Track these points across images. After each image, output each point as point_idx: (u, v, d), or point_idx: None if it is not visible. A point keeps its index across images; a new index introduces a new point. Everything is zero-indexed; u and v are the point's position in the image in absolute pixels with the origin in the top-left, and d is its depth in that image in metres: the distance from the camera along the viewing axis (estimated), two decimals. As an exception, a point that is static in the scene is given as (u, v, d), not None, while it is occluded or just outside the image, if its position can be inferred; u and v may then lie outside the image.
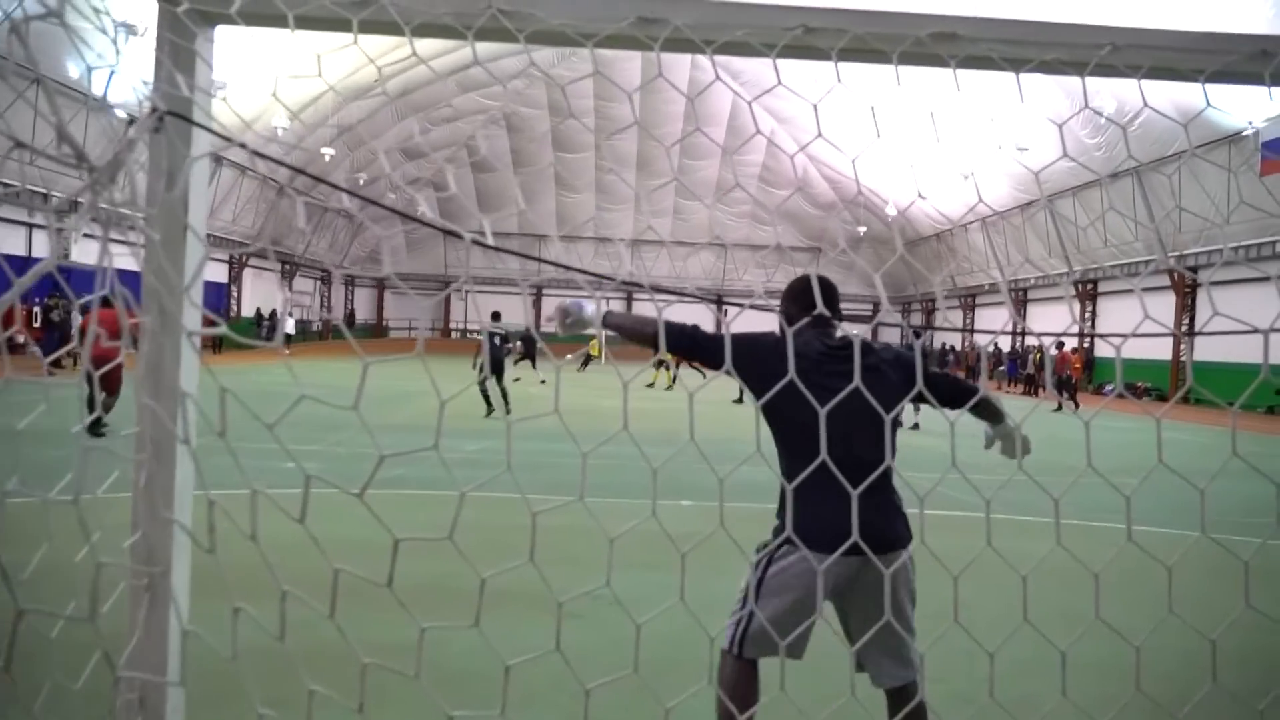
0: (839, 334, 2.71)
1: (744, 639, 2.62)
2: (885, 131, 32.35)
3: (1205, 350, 24.48)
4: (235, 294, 35.97)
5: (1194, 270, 26.28)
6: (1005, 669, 4.13)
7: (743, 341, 2.63)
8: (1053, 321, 34.37)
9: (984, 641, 1.79)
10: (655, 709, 2.80)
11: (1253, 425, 20.00)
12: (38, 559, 1.41)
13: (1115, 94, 23.31)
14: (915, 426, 15.97)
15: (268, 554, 1.28)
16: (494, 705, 3.55)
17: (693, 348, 2.71)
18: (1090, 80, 1.72)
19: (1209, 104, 1.71)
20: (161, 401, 1.63)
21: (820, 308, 2.51)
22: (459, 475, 8.52)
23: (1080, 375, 27.04)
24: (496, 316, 17.09)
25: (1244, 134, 21.91)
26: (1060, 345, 23.86)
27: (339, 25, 1.62)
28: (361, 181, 41.62)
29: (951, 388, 2.85)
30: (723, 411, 10.74)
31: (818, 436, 1.72)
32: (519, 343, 18.86)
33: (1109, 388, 29.02)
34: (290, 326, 34.80)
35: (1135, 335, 1.82)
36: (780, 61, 1.67)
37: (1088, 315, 31.51)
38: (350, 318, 49.99)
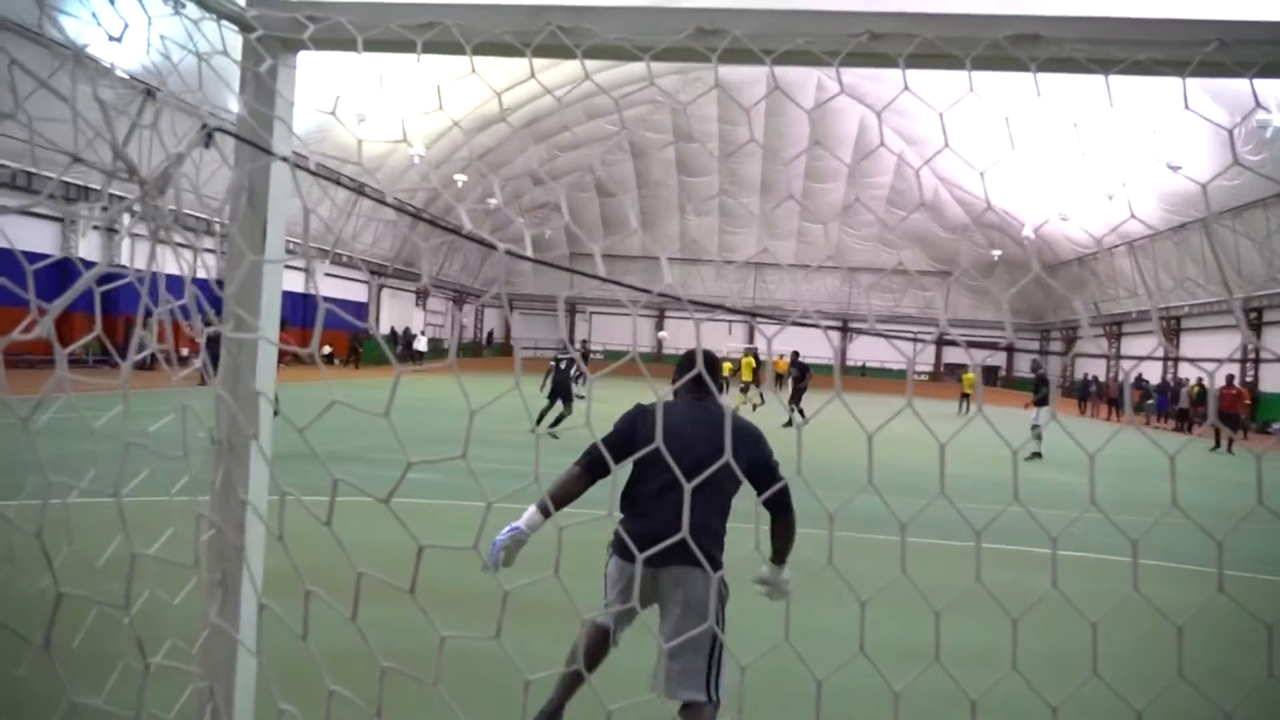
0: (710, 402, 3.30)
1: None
2: (1022, 149, 31.00)
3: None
4: (374, 312, 37.83)
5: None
6: None
7: (615, 437, 3.26)
8: (1209, 352, 31.92)
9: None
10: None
11: None
12: (110, 550, 1.50)
13: (1282, 105, 21.59)
14: (1037, 455, 15.13)
15: (353, 558, 1.31)
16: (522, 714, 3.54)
17: (594, 466, 3.22)
18: (1249, 86, 1.57)
19: None
20: (240, 406, 1.70)
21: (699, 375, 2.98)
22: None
23: (1247, 413, 24.95)
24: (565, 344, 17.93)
25: None
26: (1230, 381, 22.15)
27: (405, 47, 1.67)
28: (491, 205, 43.13)
29: (772, 473, 3.19)
30: (773, 436, 10.46)
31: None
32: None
33: (1276, 425, 26.66)
34: (423, 344, 36.27)
35: None
36: (908, 76, 1.60)
37: (1250, 346, 29.10)
38: (489, 337, 51.79)
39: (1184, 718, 3.91)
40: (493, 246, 1.42)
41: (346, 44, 1.67)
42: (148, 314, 1.44)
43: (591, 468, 3.20)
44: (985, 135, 30.19)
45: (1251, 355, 28.61)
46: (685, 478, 2.35)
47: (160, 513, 1.52)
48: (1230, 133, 21.13)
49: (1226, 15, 1.56)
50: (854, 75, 1.46)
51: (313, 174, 1.57)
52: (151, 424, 1.74)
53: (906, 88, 1.57)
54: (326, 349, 32.76)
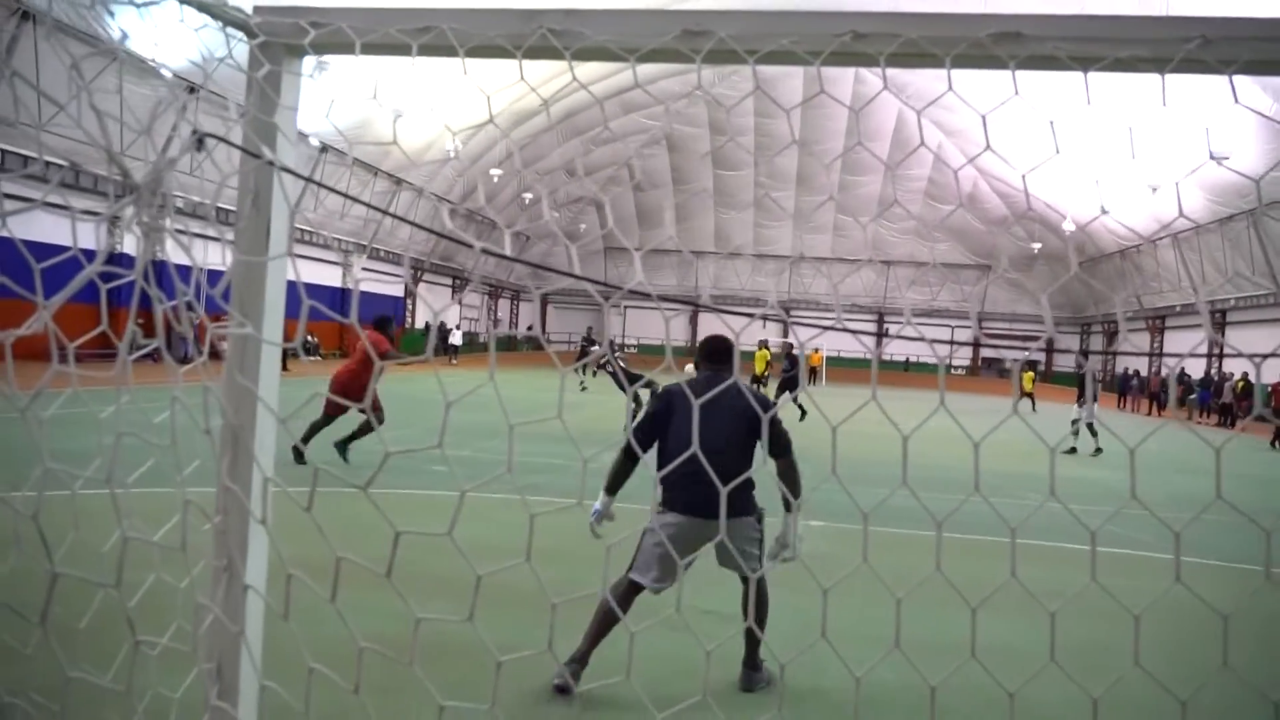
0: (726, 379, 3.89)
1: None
2: (1063, 141, 30.44)
3: None
4: (410, 307, 38.28)
5: None
6: None
7: (646, 421, 4.01)
8: (1257, 346, 31.15)
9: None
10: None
11: None
12: (114, 539, 1.57)
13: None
14: (1098, 451, 14.92)
15: (370, 545, 1.37)
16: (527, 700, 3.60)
17: (634, 449, 3.96)
18: None
19: None
20: (242, 399, 1.78)
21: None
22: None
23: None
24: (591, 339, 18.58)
25: None
26: None
27: (402, 51, 1.72)
28: (528, 200, 43.37)
29: (774, 438, 3.92)
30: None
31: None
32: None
33: (1323, 422, 25.91)
34: (458, 338, 36.62)
35: None
36: (952, 72, 1.63)
37: (1299, 340, 28.31)
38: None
39: (1228, 708, 3.87)
40: (469, 245, 1.47)
41: (346, 48, 1.73)
42: (176, 308, 1.52)
43: (630, 451, 3.93)
44: (1025, 126, 29.70)
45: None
46: (709, 444, 3.33)
47: (169, 502, 1.60)
48: None
49: (1209, 12, 1.55)
50: (892, 69, 1.49)
51: (305, 179, 1.63)
52: (165, 416, 1.82)
53: (950, 88, 1.59)
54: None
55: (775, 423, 4.05)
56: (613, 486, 3.97)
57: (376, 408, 9.21)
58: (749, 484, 3.88)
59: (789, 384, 18.34)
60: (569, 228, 49.27)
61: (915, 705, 3.80)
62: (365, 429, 9.07)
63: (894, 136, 38.99)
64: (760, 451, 3.91)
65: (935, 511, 1.47)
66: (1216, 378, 28.53)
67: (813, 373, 34.94)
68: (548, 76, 22.83)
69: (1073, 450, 14.96)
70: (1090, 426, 15.48)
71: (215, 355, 1.70)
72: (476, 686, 3.29)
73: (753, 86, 33.54)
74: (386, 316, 10.13)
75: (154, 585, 1.64)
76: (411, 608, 1.30)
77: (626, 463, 3.96)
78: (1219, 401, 26.61)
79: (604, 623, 3.77)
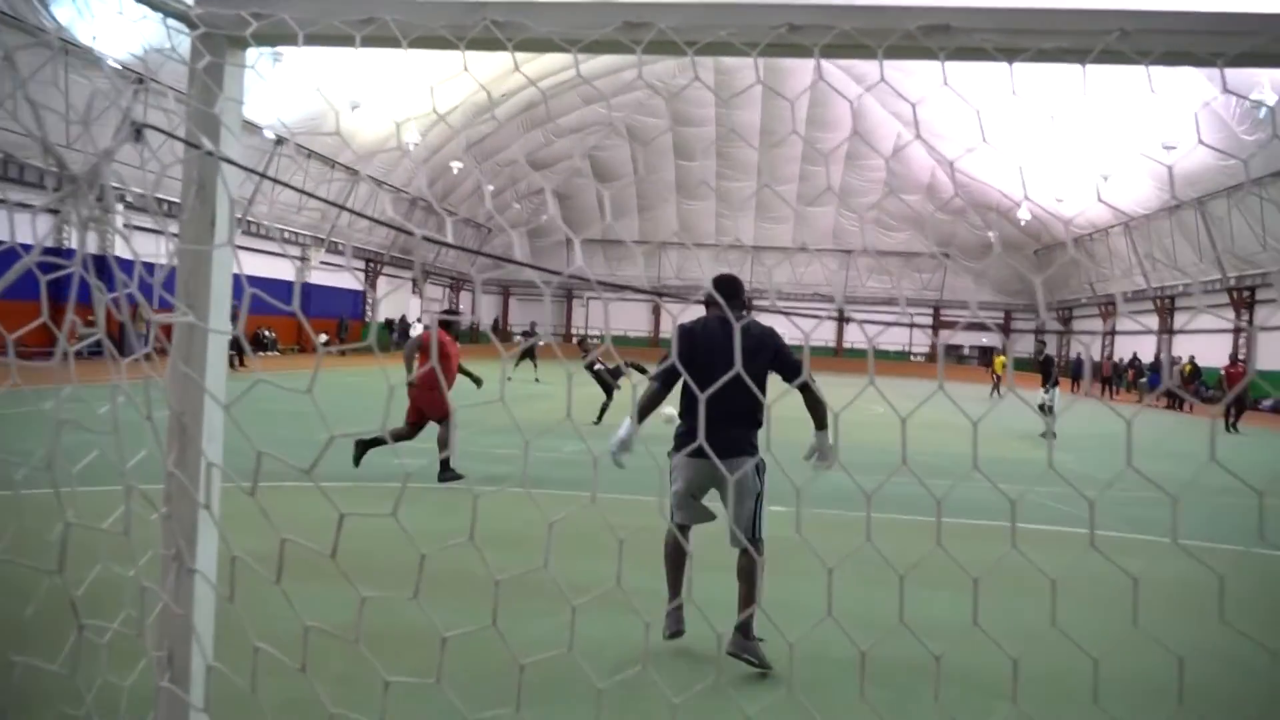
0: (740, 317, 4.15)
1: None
2: (1017, 131, 30.95)
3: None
4: (370, 300, 37.87)
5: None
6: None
7: (673, 352, 3.98)
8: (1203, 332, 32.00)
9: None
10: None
11: None
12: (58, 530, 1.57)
13: (1277, 85, 21.57)
14: (1047, 434, 15.30)
15: (327, 534, 1.38)
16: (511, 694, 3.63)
17: (667, 379, 4.00)
18: (1248, 71, 1.64)
19: (1226, 89, 1.61)
20: (189, 390, 1.78)
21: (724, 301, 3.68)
22: (556, 475, 8.72)
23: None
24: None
25: None
26: (1241, 361, 22.20)
27: (346, 42, 1.73)
28: (490, 191, 43.07)
29: (786, 365, 4.03)
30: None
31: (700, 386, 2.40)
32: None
33: (1266, 402, 26.78)
34: (418, 331, 36.33)
35: None
36: (907, 62, 1.67)
37: (1244, 323, 29.17)
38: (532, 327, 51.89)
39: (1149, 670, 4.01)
40: (409, 233, 1.49)
41: (289, 39, 1.74)
42: (118, 301, 1.51)
43: (665, 378, 3.99)
44: (980, 119, 30.11)
45: (1243, 336, 28.71)
46: (720, 379, 3.11)
47: (117, 496, 1.60)
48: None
49: (1131, 5, 1.62)
50: (846, 60, 1.55)
51: (247, 170, 1.63)
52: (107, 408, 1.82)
53: (882, 79, 1.64)
54: (323, 336, 32.83)
55: (784, 350, 4.09)
56: (641, 414, 4.06)
57: (446, 416, 8.17)
58: (755, 426, 4.03)
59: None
60: (530, 219, 49.05)
61: (919, 667, 3.89)
62: (438, 438, 8.33)
63: (855, 126, 39.32)
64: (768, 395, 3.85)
65: (916, 496, 1.52)
66: (1168, 363, 29.27)
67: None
68: (509, 69, 22.50)
69: (1044, 434, 15.42)
70: (1044, 407, 15.88)
71: (162, 350, 1.70)
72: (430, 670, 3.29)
73: (705, 78, 33.62)
74: (452, 312, 9.51)
75: (103, 575, 1.64)
76: (357, 589, 1.32)
77: (661, 391, 4.05)
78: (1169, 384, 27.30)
79: (676, 566, 4.14)
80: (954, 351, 50.32)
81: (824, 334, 50.64)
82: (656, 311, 50.23)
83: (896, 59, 1.66)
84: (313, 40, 1.73)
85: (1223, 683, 4.12)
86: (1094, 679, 3.59)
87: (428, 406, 8.24)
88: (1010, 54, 1.62)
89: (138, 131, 1.44)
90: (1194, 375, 27.03)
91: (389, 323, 39.29)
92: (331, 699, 1.65)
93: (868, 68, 32.27)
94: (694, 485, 4.10)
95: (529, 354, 24.12)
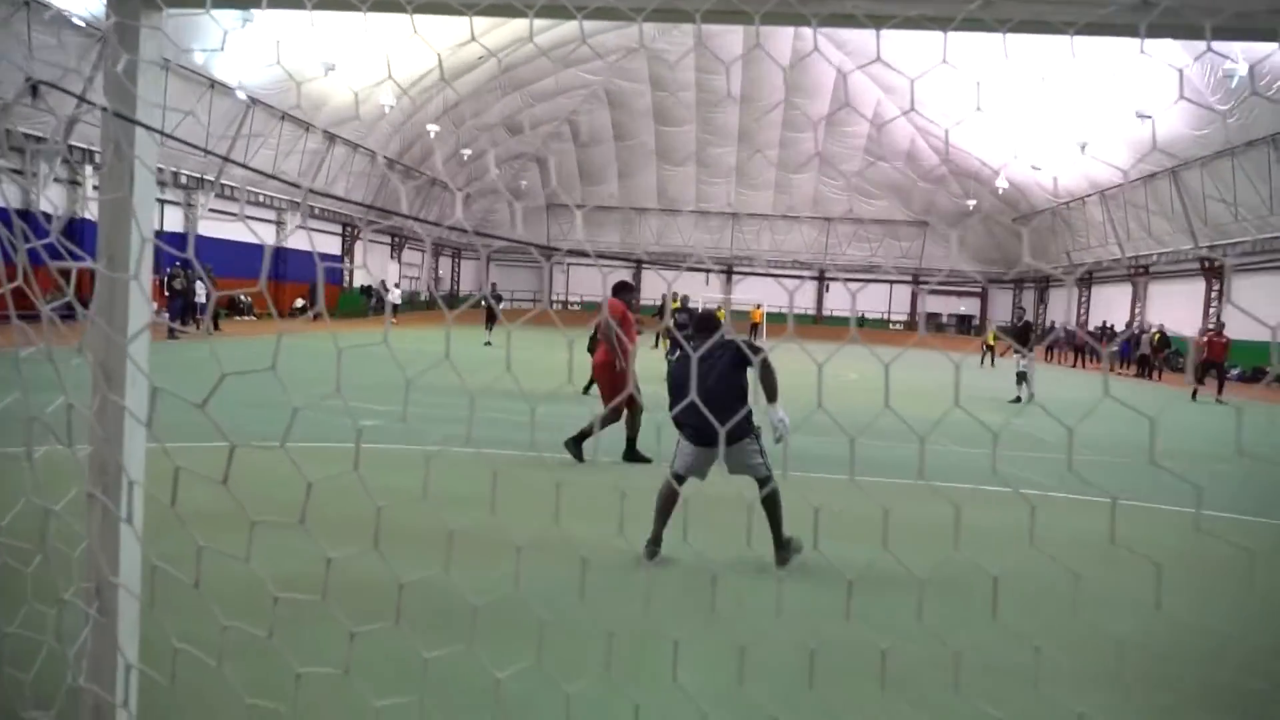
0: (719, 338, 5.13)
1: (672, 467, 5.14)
2: (997, 99, 30.99)
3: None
4: (348, 266, 37.61)
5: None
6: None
7: (669, 379, 5.16)
8: (1177, 300, 32.44)
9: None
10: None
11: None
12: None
13: (1249, 55, 21.66)
14: (1017, 400, 15.65)
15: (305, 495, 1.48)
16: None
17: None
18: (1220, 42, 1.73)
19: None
20: (110, 342, 1.87)
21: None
22: (504, 436, 8.84)
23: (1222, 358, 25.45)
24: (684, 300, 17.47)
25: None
26: (1218, 329, 22.50)
27: (346, 6, 1.78)
28: (466, 157, 42.73)
29: (746, 358, 4.95)
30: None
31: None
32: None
33: (1235, 372, 27.22)
34: (396, 297, 36.20)
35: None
36: (889, 31, 1.72)
37: (1214, 293, 29.59)
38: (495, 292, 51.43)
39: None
40: (358, 203, 1.57)
41: (199, 1, 1.80)
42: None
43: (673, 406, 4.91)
44: (962, 84, 30.10)
45: (1213, 305, 29.05)
46: (706, 390, 4.78)
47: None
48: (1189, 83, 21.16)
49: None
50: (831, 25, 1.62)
51: (149, 129, 1.71)
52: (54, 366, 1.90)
53: (880, 57, 1.72)
54: (300, 301, 32.65)
55: (741, 348, 5.11)
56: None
57: (631, 399, 7.65)
58: (745, 415, 4.98)
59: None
60: (511, 184, 48.72)
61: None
62: (613, 419, 7.86)
63: (834, 93, 39.21)
64: (753, 392, 5.02)
65: (887, 459, 1.63)
66: (1137, 331, 29.66)
67: (753, 328, 35.40)
68: (486, 28, 22.29)
69: (1017, 399, 15.76)
70: (1022, 376, 16.26)
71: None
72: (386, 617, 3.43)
73: (686, 42, 33.37)
74: (626, 282, 8.48)
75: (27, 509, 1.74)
76: (323, 547, 1.42)
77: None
78: (1138, 353, 27.71)
79: (666, 507, 4.97)
80: (933, 319, 50.66)
81: (805, 301, 50.83)
82: (638, 278, 50.15)
83: (770, 25, 1.74)
84: (224, 3, 1.79)
85: (1155, 640, 4.32)
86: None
87: (609, 387, 7.79)
88: (878, 20, 1.71)
89: (34, 88, 1.51)
90: (1163, 344, 27.43)
91: (366, 289, 39.08)
92: (297, 650, 1.76)
93: (849, 34, 32.15)
94: (695, 464, 5.03)
95: (490, 317, 24.34)
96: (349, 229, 37.43)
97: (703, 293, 42.71)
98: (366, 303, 36.18)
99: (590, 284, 51.17)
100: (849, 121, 42.14)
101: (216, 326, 23.06)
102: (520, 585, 3.94)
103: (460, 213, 51.64)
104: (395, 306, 34.81)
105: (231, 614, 1.72)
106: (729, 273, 48.38)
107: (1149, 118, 26.32)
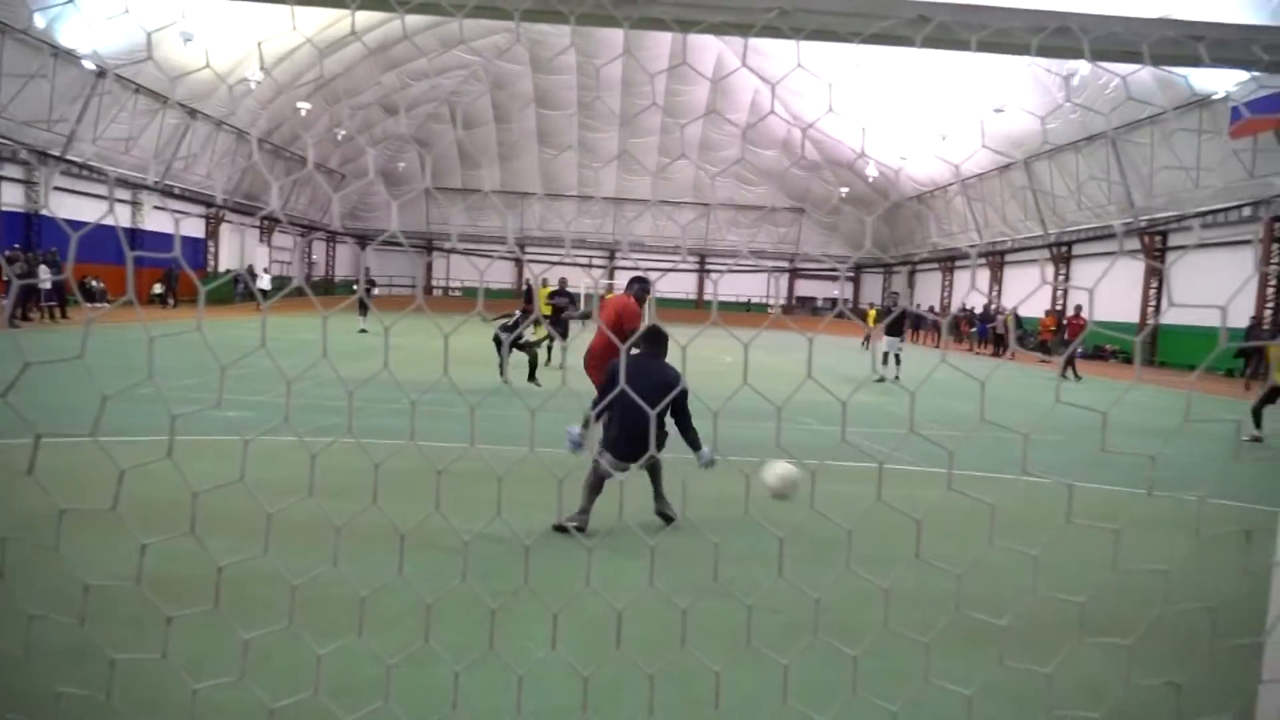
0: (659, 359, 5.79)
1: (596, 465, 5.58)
2: (866, 91, 32.19)
3: (1172, 314, 24.81)
4: (212, 250, 35.83)
5: (1164, 235, 26.55)
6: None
7: (604, 389, 5.86)
8: (1027, 284, 34.61)
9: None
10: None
11: (1212, 388, 20.32)
12: None
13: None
14: (882, 380, 16.39)
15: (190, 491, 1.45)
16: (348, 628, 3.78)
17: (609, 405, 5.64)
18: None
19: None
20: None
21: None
22: (402, 425, 8.73)
23: (1051, 338, 27.38)
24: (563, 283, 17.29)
25: (1214, 98, 21.94)
26: (1078, 311, 24.07)
27: None
28: (340, 137, 41.30)
29: (681, 409, 5.54)
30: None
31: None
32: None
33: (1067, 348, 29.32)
34: (266, 283, 34.73)
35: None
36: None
37: (1061, 278, 31.74)
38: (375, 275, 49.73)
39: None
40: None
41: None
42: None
43: (606, 404, 5.53)
44: (837, 77, 31.10)
45: (1060, 290, 31.13)
46: (636, 410, 5.26)
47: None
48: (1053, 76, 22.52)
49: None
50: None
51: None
52: None
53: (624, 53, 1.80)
54: (159, 287, 30.92)
55: (682, 396, 5.40)
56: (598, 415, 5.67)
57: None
58: (662, 433, 5.75)
59: (562, 325, 16.74)
60: (387, 166, 47.41)
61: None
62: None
63: (715, 79, 39.81)
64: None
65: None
66: (993, 312, 31.52)
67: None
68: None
69: (881, 379, 16.46)
70: (890, 356, 17.09)
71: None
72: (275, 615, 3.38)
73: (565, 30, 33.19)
74: (642, 277, 7.92)
75: None
76: (138, 537, 1.42)
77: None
78: (995, 333, 29.50)
79: (593, 490, 5.49)
80: (808, 303, 52.34)
81: (686, 286, 51.58)
82: (520, 264, 49.75)
83: (588, 25, 1.83)
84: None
85: (987, 594, 4.68)
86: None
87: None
88: (685, 25, 1.82)
89: None
90: (1016, 325, 29.26)
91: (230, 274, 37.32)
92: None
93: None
94: (616, 470, 5.55)
95: (362, 305, 23.78)
96: (215, 211, 35.57)
97: (585, 279, 42.78)
98: (234, 289, 34.56)
99: (472, 270, 50.40)
100: (728, 109, 42.91)
101: (64, 314, 21.59)
102: (338, 567, 3.93)
103: (336, 206, 49.59)
104: (265, 293, 33.40)
105: (41, 606, 1.70)
106: (611, 258, 48.65)
107: (1001, 111, 27.93)
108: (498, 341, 13.08)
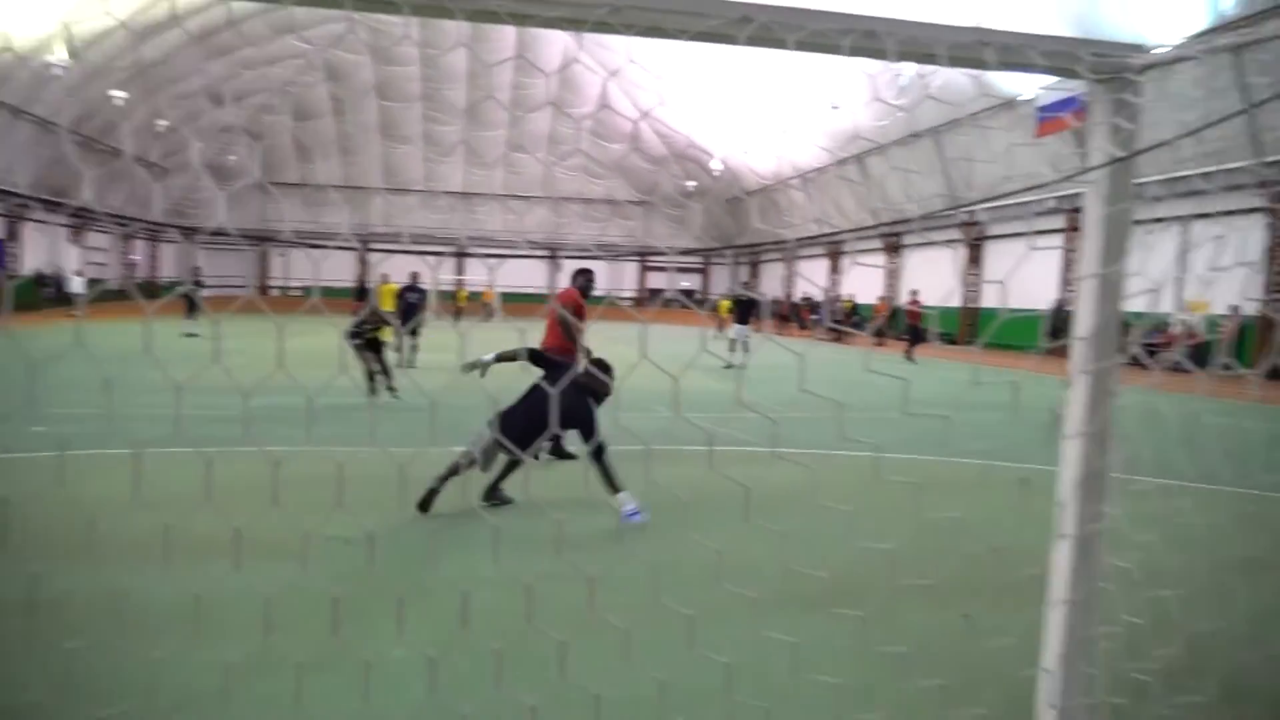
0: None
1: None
2: (710, 87, 33.03)
3: (991, 298, 26.85)
4: (15, 252, 32.66)
5: (981, 225, 28.67)
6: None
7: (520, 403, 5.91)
8: (864, 273, 36.56)
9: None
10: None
11: (1026, 364, 22.10)
12: None
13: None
14: (732, 366, 16.94)
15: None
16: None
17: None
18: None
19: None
20: None
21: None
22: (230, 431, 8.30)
23: (887, 322, 29.01)
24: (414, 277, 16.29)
25: (1020, 99, 23.86)
26: (914, 297, 25.42)
27: None
28: (161, 128, 38.58)
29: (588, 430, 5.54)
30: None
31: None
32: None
33: (903, 333, 31.28)
34: (78, 285, 32.03)
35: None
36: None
37: (893, 266, 33.69)
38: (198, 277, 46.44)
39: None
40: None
41: None
42: None
43: (530, 355, 5.69)
44: (681, 71, 31.76)
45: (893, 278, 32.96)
46: (529, 415, 5.47)
47: None
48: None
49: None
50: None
51: None
52: None
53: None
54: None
55: (588, 413, 5.58)
56: (500, 357, 5.65)
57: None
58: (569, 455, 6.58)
59: (407, 315, 16.20)
60: (216, 160, 44.66)
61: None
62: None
63: (562, 72, 39.72)
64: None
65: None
66: (832, 300, 33.11)
67: (486, 309, 35.33)
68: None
69: (730, 366, 17.00)
70: (736, 344, 17.72)
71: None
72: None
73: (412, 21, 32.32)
74: (586, 269, 8.01)
75: None
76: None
77: (515, 360, 5.48)
78: (833, 319, 31.03)
79: (495, 460, 5.64)
80: (658, 295, 53.23)
81: (537, 280, 51.33)
82: (363, 260, 48.08)
83: (420, 15, 1.83)
84: None
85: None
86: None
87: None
88: (520, 19, 1.85)
89: None
90: (853, 311, 30.87)
91: (40, 276, 34.17)
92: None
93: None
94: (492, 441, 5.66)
95: (191, 305, 22.49)
96: (16, 207, 32.38)
97: (432, 275, 41.81)
98: (39, 292, 31.66)
99: (313, 268, 48.24)
100: (574, 103, 42.97)
101: None
102: (171, 575, 3.76)
103: (158, 199, 46.53)
104: (76, 297, 30.82)
105: None
106: (460, 254, 47.83)
107: (838, 108, 29.33)
108: (358, 349, 11.47)
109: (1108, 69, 2.15)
